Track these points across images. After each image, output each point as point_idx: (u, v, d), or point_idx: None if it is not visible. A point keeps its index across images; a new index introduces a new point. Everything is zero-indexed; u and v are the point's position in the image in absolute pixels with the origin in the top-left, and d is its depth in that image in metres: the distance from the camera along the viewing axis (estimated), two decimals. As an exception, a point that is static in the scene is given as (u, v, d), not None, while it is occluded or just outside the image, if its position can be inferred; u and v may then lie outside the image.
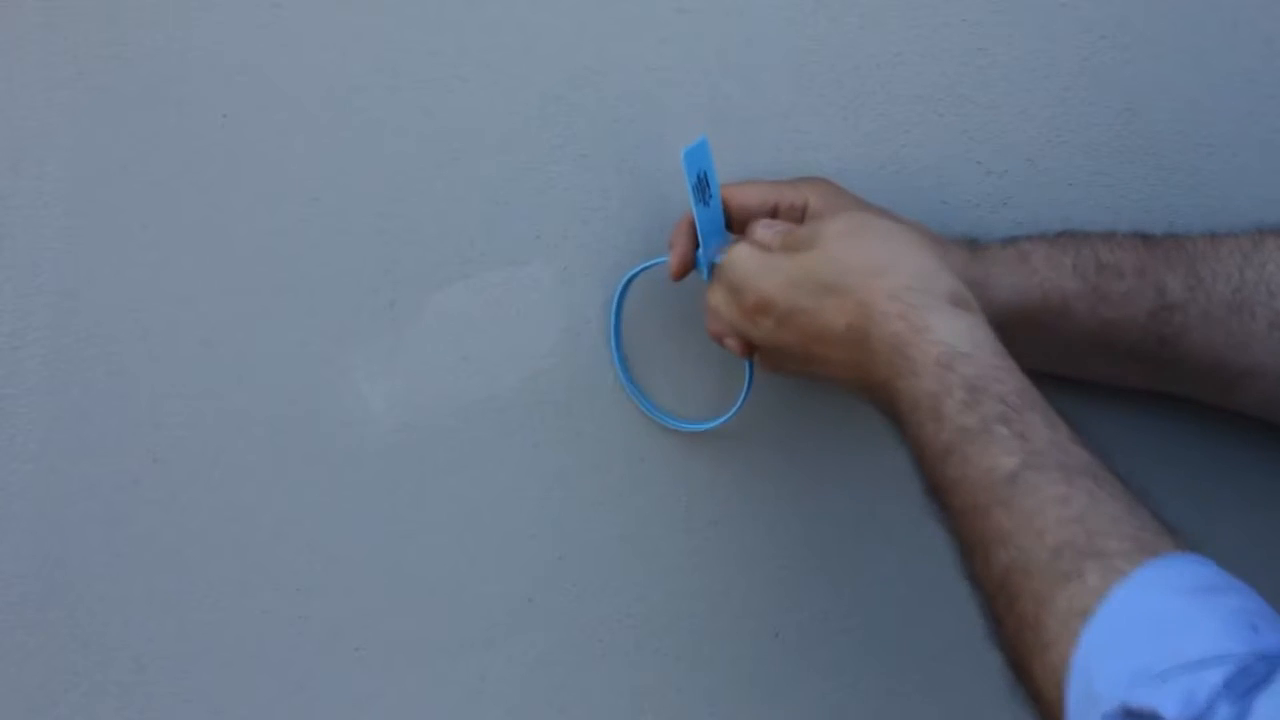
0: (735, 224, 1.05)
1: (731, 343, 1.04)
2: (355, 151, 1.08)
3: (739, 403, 1.09)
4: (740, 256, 1.00)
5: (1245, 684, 0.77)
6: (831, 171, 1.09)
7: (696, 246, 1.04)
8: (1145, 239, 1.06)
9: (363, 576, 1.09)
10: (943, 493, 0.90)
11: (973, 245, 1.06)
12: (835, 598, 1.14)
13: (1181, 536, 0.85)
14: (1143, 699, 0.77)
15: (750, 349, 1.04)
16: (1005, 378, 0.90)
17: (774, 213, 1.05)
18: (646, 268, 1.08)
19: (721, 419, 1.10)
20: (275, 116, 1.07)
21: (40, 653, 1.06)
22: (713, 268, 1.04)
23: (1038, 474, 0.86)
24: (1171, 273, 1.05)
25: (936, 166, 1.13)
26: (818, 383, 1.11)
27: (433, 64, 1.08)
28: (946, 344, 0.91)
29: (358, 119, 1.08)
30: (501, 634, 1.10)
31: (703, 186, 1.03)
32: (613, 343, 1.10)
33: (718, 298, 1.02)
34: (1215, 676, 0.77)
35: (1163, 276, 1.04)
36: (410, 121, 1.08)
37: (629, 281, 1.09)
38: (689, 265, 1.05)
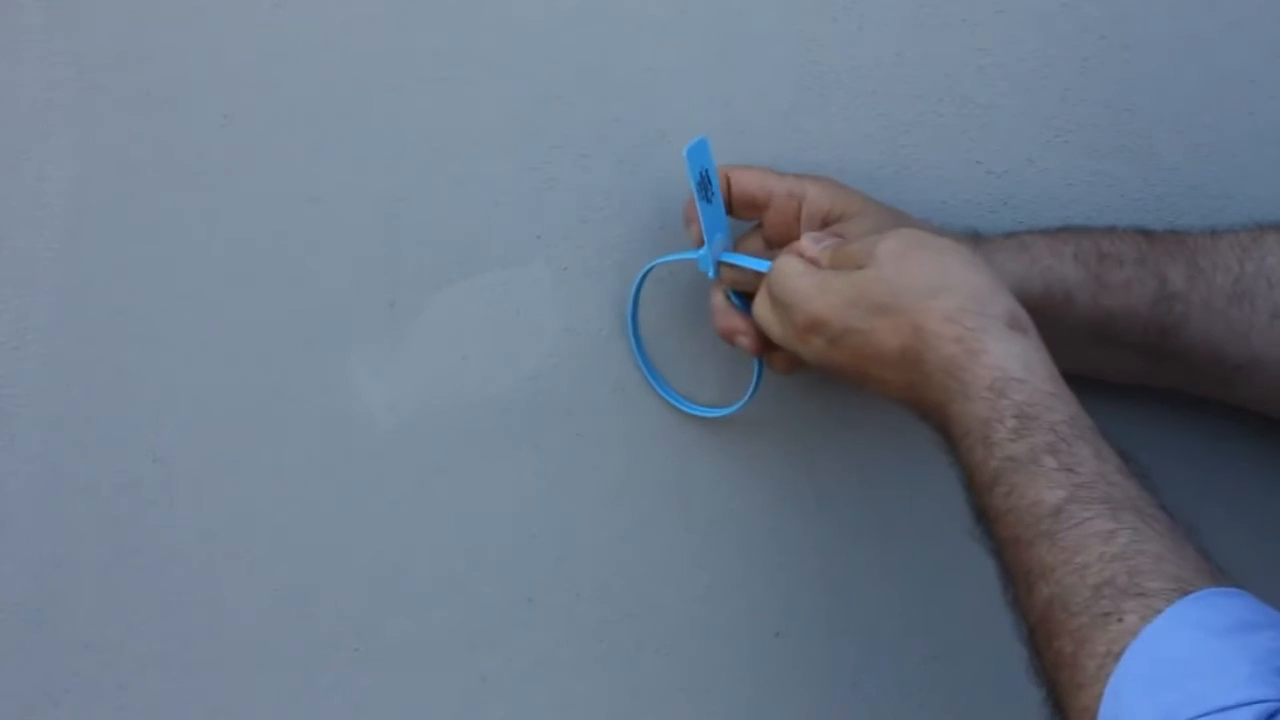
0: (735, 207, 1.05)
1: (744, 340, 1.04)
2: (355, 151, 1.08)
3: (749, 393, 1.08)
4: (789, 273, 0.98)
5: None
6: (831, 171, 1.09)
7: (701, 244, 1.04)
8: (1145, 233, 1.07)
9: (363, 576, 1.09)
10: (990, 521, 0.89)
11: (975, 237, 1.06)
12: (835, 598, 1.14)
13: (1223, 573, 0.85)
14: None
15: (763, 347, 1.04)
16: (1057, 405, 0.89)
17: (768, 201, 1.05)
18: (667, 261, 1.07)
19: (732, 408, 1.09)
20: (275, 116, 1.07)
21: (40, 653, 1.06)
22: (718, 265, 1.04)
23: (1083, 508, 0.85)
24: (1172, 264, 1.05)
25: (936, 166, 1.13)
26: (823, 381, 1.11)
27: (433, 64, 1.08)
28: (1000, 368, 0.90)
29: (358, 119, 1.08)
30: (501, 634, 1.10)
31: (704, 184, 1.03)
32: (630, 328, 1.09)
33: (765, 312, 1.00)
34: None
35: (1163, 267, 1.05)
36: (410, 121, 1.08)
37: (648, 271, 1.08)
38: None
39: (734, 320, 1.05)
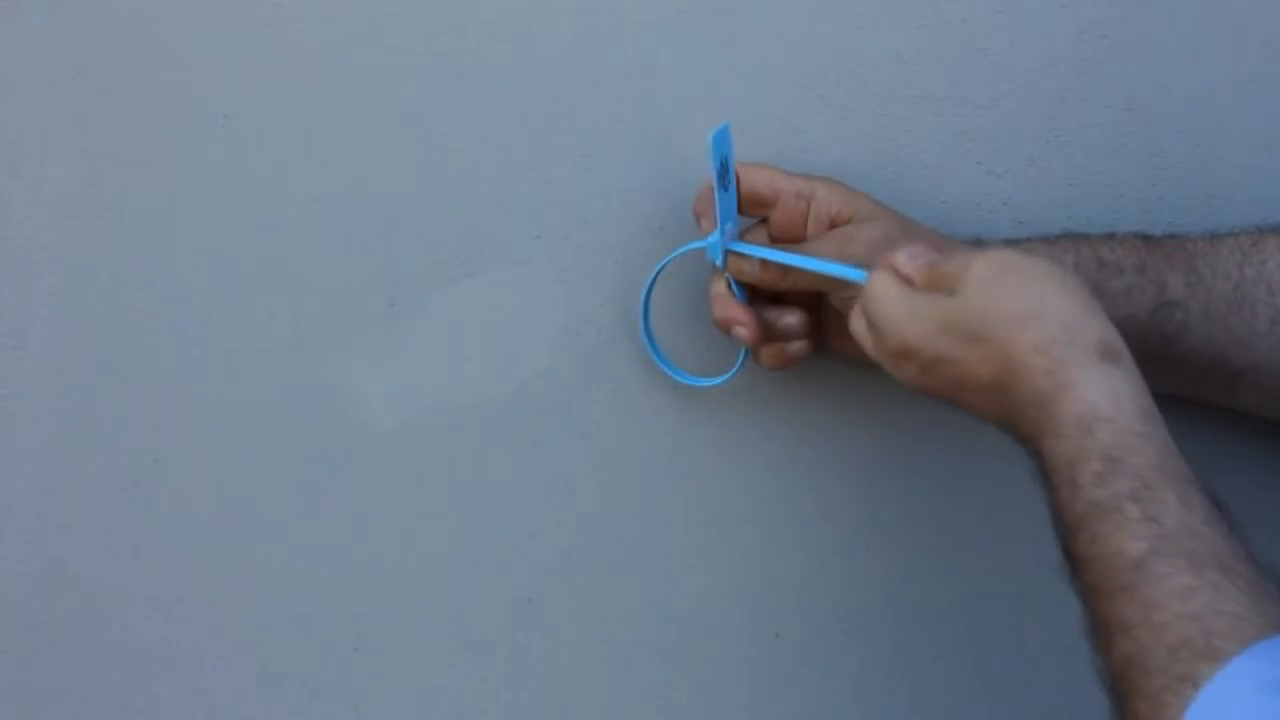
0: (741, 204, 1.05)
1: (742, 330, 1.04)
2: (355, 151, 1.08)
3: (737, 364, 1.08)
4: (883, 296, 0.95)
5: None
6: (832, 172, 1.09)
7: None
8: (1145, 239, 1.07)
9: (362, 576, 1.09)
10: (1074, 566, 0.88)
11: (976, 242, 1.06)
12: (835, 598, 1.14)
13: None
14: None
15: (760, 339, 1.04)
16: (1145, 448, 0.87)
17: (776, 200, 1.05)
18: (682, 253, 1.07)
19: (722, 378, 1.09)
20: (275, 116, 1.07)
21: (40, 653, 1.06)
22: (725, 254, 1.04)
23: (1164, 562, 0.84)
24: (1171, 270, 1.05)
25: (936, 166, 1.13)
26: (822, 382, 1.11)
27: (433, 64, 1.09)
28: (1088, 403, 0.87)
29: (358, 119, 1.08)
30: (501, 634, 1.10)
31: (724, 171, 1.03)
32: (642, 319, 1.09)
33: (861, 330, 0.97)
34: None
35: (1163, 273, 1.05)
36: (410, 121, 1.08)
37: (663, 267, 1.08)
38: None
39: (733, 310, 1.05)
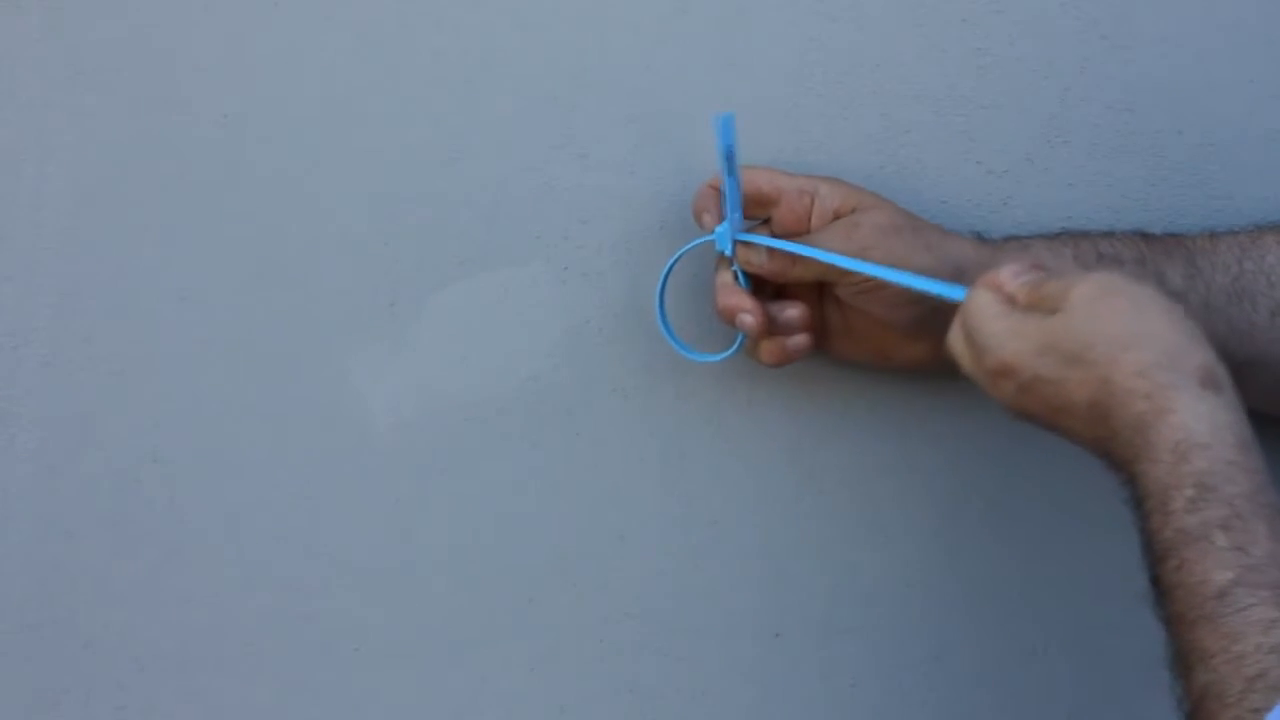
0: (746, 205, 1.05)
1: (747, 318, 1.04)
2: (355, 151, 1.08)
3: (735, 345, 1.08)
4: (985, 312, 0.94)
5: None
6: (832, 172, 1.09)
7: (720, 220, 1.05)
8: (1143, 235, 1.07)
9: (362, 576, 1.09)
10: (1160, 593, 0.87)
11: (977, 239, 1.07)
12: (835, 598, 1.14)
13: None
14: None
15: (765, 330, 1.04)
16: (1239, 477, 0.86)
17: (779, 198, 1.05)
18: (690, 249, 1.07)
19: (720, 355, 1.09)
20: (275, 116, 1.07)
21: (40, 653, 1.06)
22: (734, 243, 1.04)
23: (1249, 593, 0.83)
24: (1170, 263, 1.05)
25: (936, 166, 1.13)
26: (822, 382, 1.11)
27: (433, 64, 1.09)
28: (1186, 429, 0.86)
29: (358, 119, 1.08)
30: (501, 634, 1.10)
31: (729, 158, 1.03)
32: (658, 300, 1.09)
33: (960, 346, 0.96)
34: None
35: (1162, 266, 1.05)
36: (410, 121, 1.08)
37: (673, 265, 1.08)
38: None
39: (738, 299, 1.05)
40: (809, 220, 1.06)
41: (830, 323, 1.08)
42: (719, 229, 1.05)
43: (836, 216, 1.05)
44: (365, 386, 1.08)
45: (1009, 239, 1.07)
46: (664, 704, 1.12)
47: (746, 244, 1.05)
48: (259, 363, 1.07)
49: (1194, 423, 0.87)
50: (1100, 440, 0.90)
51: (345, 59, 1.08)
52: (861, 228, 1.04)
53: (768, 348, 1.06)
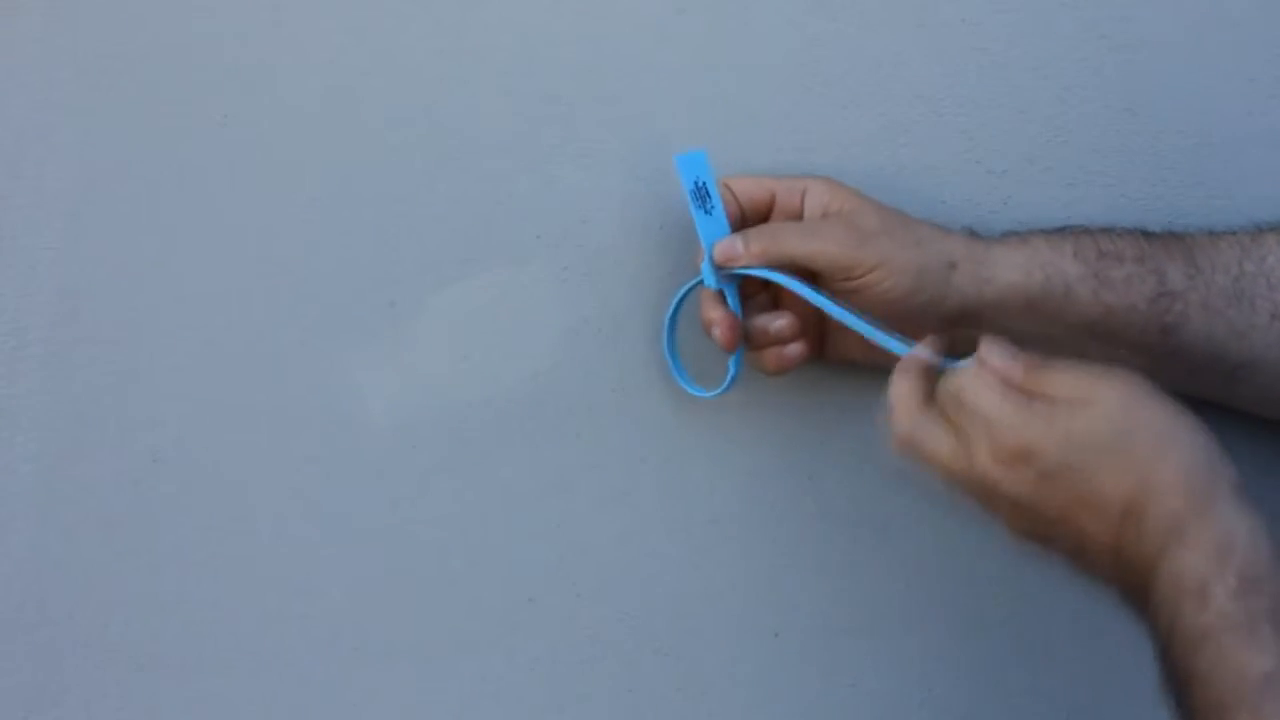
0: (746, 215, 1.06)
1: (715, 331, 1.05)
2: (355, 151, 1.08)
3: (727, 382, 1.08)
4: (990, 394, 0.91)
5: None
6: (832, 172, 1.09)
7: (718, 282, 1.05)
8: (1144, 232, 1.07)
9: (363, 576, 1.09)
10: (1186, 685, 0.85)
11: (972, 235, 1.07)
12: (835, 598, 1.14)
13: None
14: None
15: (734, 344, 1.05)
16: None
17: (773, 198, 1.05)
18: (686, 292, 1.08)
19: (715, 391, 1.09)
20: (275, 116, 1.07)
21: (40, 653, 1.06)
22: (716, 276, 1.05)
23: None
24: (1171, 261, 1.05)
25: (936, 166, 1.13)
26: (821, 382, 1.11)
27: (433, 64, 1.09)
28: (1228, 529, 0.85)
29: (358, 119, 1.08)
30: (501, 634, 1.10)
31: (702, 195, 1.04)
32: (667, 349, 1.10)
33: (933, 430, 0.93)
34: None
35: (1162, 264, 1.05)
36: (410, 121, 1.08)
37: (680, 302, 1.09)
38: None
39: (714, 312, 1.06)
40: (800, 218, 1.06)
41: (826, 326, 1.08)
42: (703, 266, 1.05)
43: (825, 214, 1.05)
44: (366, 386, 1.08)
45: (1008, 234, 1.07)
46: (664, 704, 1.12)
47: (726, 241, 1.05)
48: (259, 362, 1.08)
49: (1234, 523, 0.85)
50: (1119, 537, 0.88)
51: (345, 59, 1.08)
52: (849, 227, 1.04)
53: (767, 357, 1.07)
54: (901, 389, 0.95)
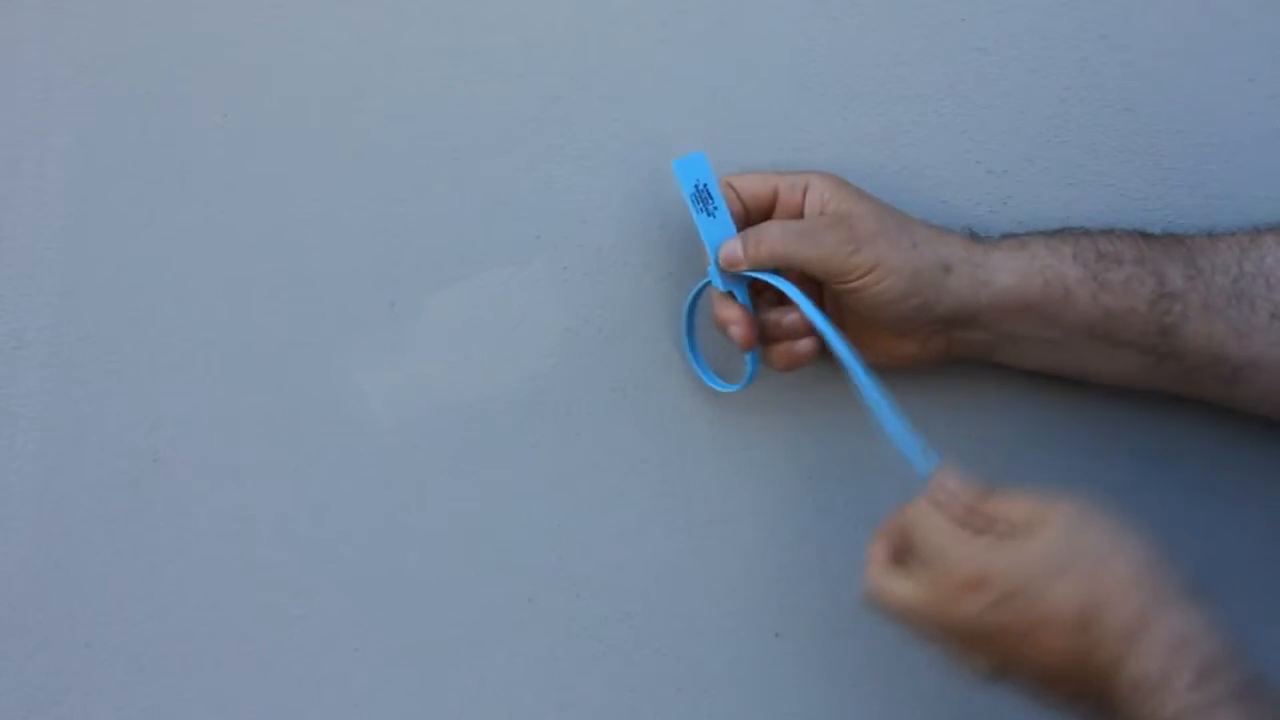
0: (750, 213, 1.06)
1: (735, 329, 1.05)
2: (355, 151, 1.08)
3: (747, 376, 1.08)
4: (942, 527, 0.95)
5: None
6: (831, 170, 1.09)
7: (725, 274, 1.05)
8: (1143, 234, 1.07)
9: (363, 576, 1.09)
10: None
11: (972, 236, 1.07)
12: (835, 598, 1.14)
13: None
14: None
15: (752, 341, 1.05)
16: (1238, 664, 0.88)
17: (775, 194, 1.05)
18: (694, 295, 1.08)
19: (734, 386, 1.09)
20: (275, 116, 1.07)
21: (40, 653, 1.06)
22: (723, 277, 1.05)
23: None
24: (1170, 263, 1.05)
25: (936, 166, 1.13)
26: (822, 382, 1.11)
27: (433, 64, 1.09)
28: (1180, 628, 0.88)
29: (358, 118, 1.08)
30: (501, 634, 1.10)
31: (703, 197, 1.04)
32: (687, 346, 1.10)
33: (888, 576, 0.97)
34: None
35: (1162, 266, 1.05)
36: (410, 121, 1.08)
37: (693, 302, 1.09)
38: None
39: (729, 311, 1.06)
40: (802, 212, 1.06)
41: (832, 321, 1.08)
42: (710, 269, 1.05)
43: (824, 212, 1.05)
44: (366, 386, 1.08)
45: (1006, 236, 1.07)
46: (664, 704, 1.12)
47: (730, 245, 1.05)
48: (259, 362, 1.07)
49: (1187, 621, 0.88)
50: (1077, 652, 0.90)
51: (345, 58, 1.08)
52: (845, 231, 1.04)
53: (777, 353, 1.07)
54: (874, 548, 0.99)
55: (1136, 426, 1.14)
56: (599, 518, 1.11)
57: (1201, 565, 1.15)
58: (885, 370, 1.09)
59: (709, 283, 1.07)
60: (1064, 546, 0.91)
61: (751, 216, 1.07)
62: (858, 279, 1.02)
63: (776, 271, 1.04)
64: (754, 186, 1.06)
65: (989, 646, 0.93)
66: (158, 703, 1.07)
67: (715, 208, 1.04)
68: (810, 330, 1.06)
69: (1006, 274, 1.04)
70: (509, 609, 1.11)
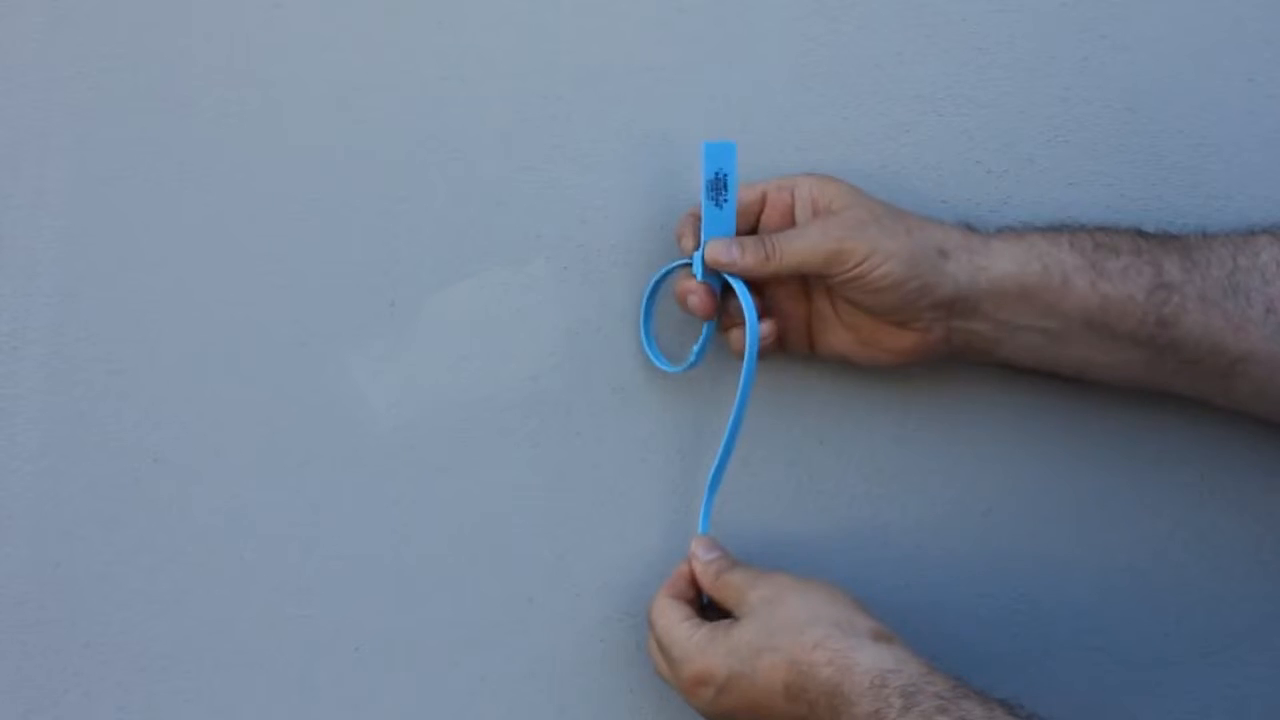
0: (742, 221, 1.06)
1: (693, 298, 1.06)
2: (355, 151, 1.08)
3: (695, 354, 1.09)
4: (675, 629, 1.03)
5: None
6: (831, 171, 1.09)
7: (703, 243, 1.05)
8: (1139, 230, 1.07)
9: (363, 576, 1.09)
10: None
11: (968, 229, 1.07)
12: (835, 598, 1.14)
13: None
14: None
15: (711, 311, 1.06)
16: (935, 679, 0.95)
17: (763, 199, 1.06)
18: (669, 270, 1.08)
19: (681, 366, 1.10)
20: (275, 116, 1.07)
21: (40, 653, 1.06)
22: (704, 266, 1.05)
23: None
24: (1167, 255, 1.05)
25: (936, 166, 1.13)
26: (821, 382, 1.11)
27: (433, 64, 1.09)
28: (874, 669, 0.96)
29: (358, 119, 1.08)
30: (501, 634, 1.10)
31: (719, 186, 1.04)
32: (643, 325, 1.10)
33: (656, 655, 1.06)
34: None
35: (1159, 257, 1.05)
36: (410, 121, 1.08)
37: (658, 283, 1.09)
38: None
39: (690, 282, 1.07)
40: (792, 215, 1.06)
41: (821, 316, 1.08)
42: (695, 255, 1.05)
43: (814, 208, 1.06)
44: (366, 386, 1.08)
45: (1003, 229, 1.08)
46: (664, 704, 1.12)
47: (722, 244, 1.05)
48: (259, 362, 1.08)
49: (878, 663, 0.97)
50: (803, 718, 0.98)
51: (345, 59, 1.08)
52: (838, 221, 1.04)
53: (736, 335, 1.07)
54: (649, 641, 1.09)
55: (1134, 429, 1.14)
56: (599, 518, 1.11)
57: (1201, 565, 1.15)
58: (887, 368, 1.09)
59: (681, 266, 1.07)
60: (761, 628, 1.00)
61: (742, 221, 1.07)
62: (855, 266, 1.02)
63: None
64: (742, 194, 1.06)
65: None
66: (158, 703, 1.07)
67: (726, 200, 1.04)
68: (767, 314, 1.07)
69: (1005, 260, 1.04)
70: (509, 609, 1.11)
